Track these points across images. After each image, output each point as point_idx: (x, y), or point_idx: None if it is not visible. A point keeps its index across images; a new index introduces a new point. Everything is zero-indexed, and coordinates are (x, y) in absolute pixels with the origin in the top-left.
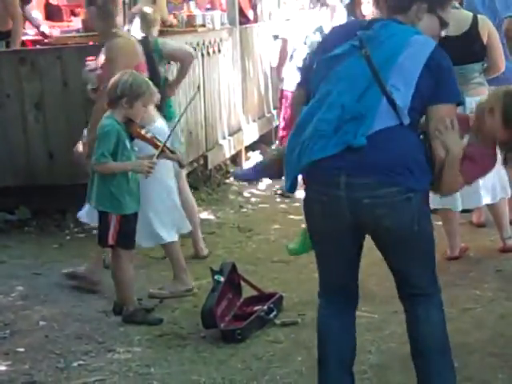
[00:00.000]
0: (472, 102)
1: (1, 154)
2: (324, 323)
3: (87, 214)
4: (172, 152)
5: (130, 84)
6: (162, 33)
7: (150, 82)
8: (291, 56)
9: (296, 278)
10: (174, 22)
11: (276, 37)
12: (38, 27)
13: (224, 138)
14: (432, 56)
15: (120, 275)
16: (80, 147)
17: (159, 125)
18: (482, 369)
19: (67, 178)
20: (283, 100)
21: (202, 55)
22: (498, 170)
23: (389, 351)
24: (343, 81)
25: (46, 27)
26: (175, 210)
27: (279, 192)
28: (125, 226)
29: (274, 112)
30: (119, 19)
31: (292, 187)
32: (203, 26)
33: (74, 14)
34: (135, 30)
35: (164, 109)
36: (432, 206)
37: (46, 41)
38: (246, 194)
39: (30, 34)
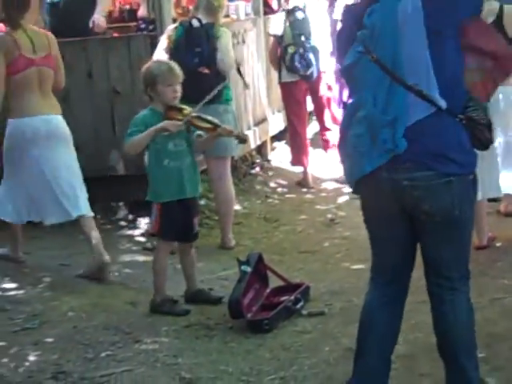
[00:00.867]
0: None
1: None
2: (370, 312)
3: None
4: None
5: (144, 73)
6: None
7: (166, 62)
8: None
9: (323, 268)
10: None
11: None
12: None
13: (249, 128)
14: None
15: (154, 264)
16: None
17: None
18: (511, 358)
19: (93, 170)
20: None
21: None
22: None
23: (416, 341)
24: (365, 91)
25: None
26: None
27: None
28: (165, 215)
29: None
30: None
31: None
32: (227, 16)
33: None
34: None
35: (222, 91)
36: None
37: None
38: (272, 184)
39: None
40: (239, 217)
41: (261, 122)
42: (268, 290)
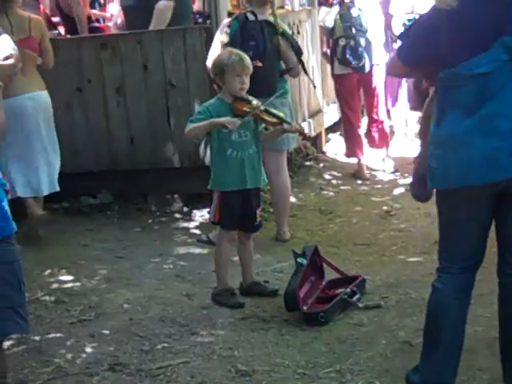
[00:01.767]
0: None
1: (83, 139)
2: (442, 303)
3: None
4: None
5: (214, 63)
6: None
7: (237, 52)
8: None
9: (379, 260)
10: None
11: None
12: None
13: (304, 120)
14: None
15: (215, 253)
16: None
17: None
18: None
19: (148, 162)
20: None
21: None
22: None
23: (475, 335)
24: (497, 101)
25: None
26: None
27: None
28: (224, 204)
29: None
30: None
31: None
32: (282, 7)
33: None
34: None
35: (279, 85)
36: None
37: None
38: (326, 176)
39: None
40: (294, 209)
41: (315, 113)
42: (324, 283)
